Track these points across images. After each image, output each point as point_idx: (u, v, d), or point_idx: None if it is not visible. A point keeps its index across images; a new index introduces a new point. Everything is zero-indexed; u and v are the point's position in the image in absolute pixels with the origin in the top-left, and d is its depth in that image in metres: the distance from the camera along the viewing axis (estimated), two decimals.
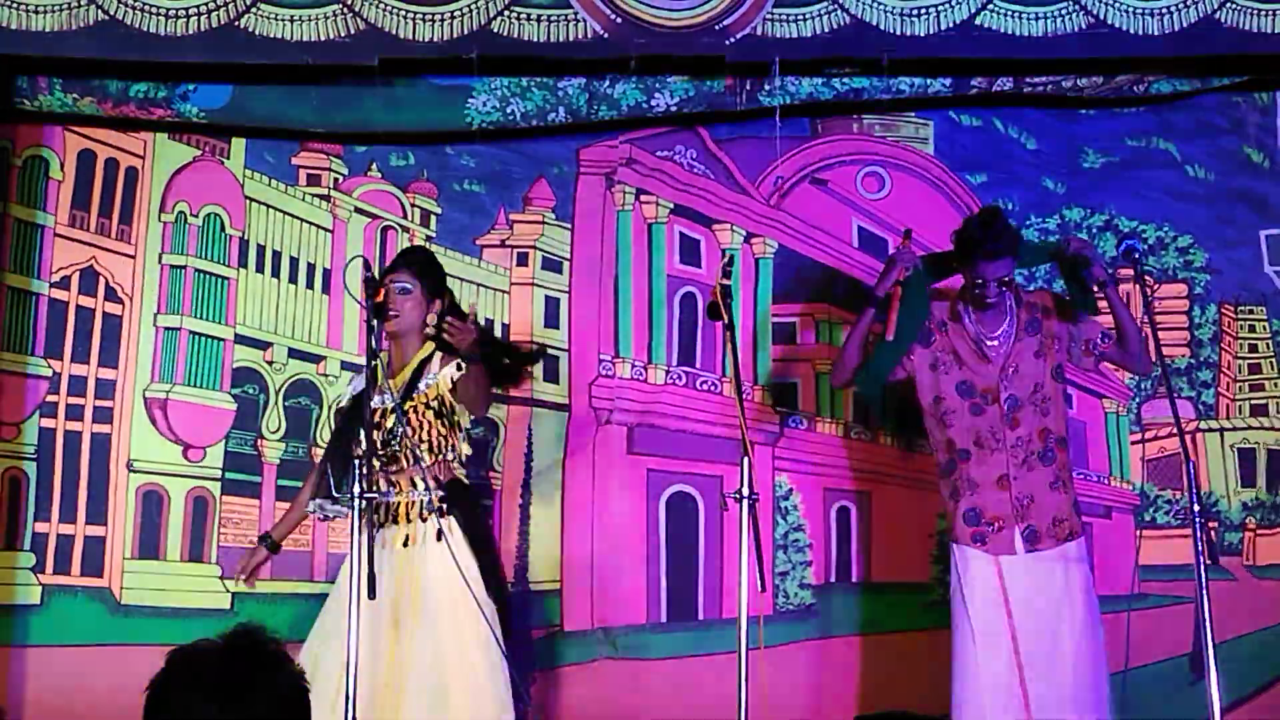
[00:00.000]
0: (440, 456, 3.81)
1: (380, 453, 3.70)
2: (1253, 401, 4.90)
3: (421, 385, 3.81)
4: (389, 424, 3.76)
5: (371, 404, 3.66)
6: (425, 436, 3.79)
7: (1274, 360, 4.90)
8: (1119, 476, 4.89)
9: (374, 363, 3.58)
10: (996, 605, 3.80)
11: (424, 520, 3.74)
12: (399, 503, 3.77)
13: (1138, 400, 4.92)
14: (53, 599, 4.42)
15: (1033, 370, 3.92)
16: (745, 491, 3.42)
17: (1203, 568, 3.40)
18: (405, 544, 3.75)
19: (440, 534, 3.70)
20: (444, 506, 3.74)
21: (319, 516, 3.86)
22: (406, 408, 3.75)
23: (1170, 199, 4.93)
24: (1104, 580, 4.37)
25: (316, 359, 4.69)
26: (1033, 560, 3.82)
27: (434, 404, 3.81)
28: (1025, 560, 3.82)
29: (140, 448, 4.54)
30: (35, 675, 4.35)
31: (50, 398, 4.52)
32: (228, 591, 4.47)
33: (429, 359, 3.87)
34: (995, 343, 3.94)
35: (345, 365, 4.67)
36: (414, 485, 3.78)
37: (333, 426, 3.95)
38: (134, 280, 4.62)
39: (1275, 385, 4.89)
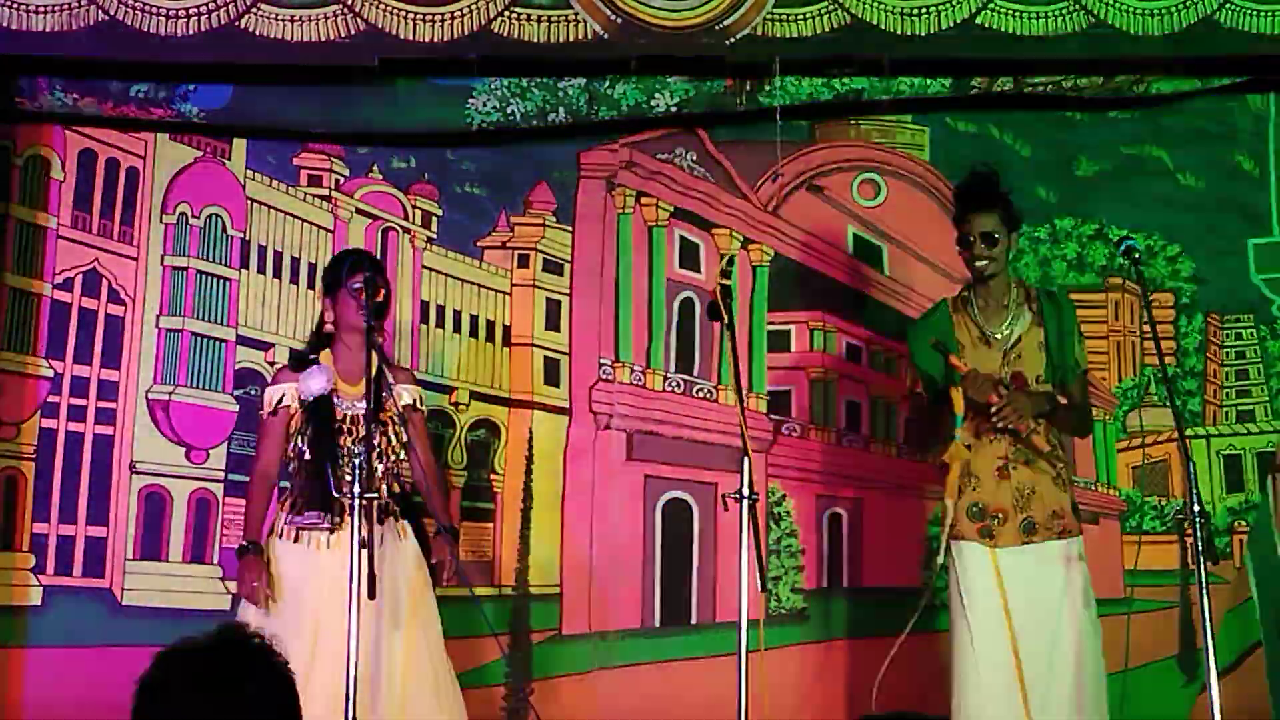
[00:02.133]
0: (398, 462, 3.80)
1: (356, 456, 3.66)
2: (1239, 408, 4.95)
3: (385, 394, 3.76)
4: (359, 427, 3.70)
5: (338, 408, 3.70)
6: (392, 442, 3.78)
7: (1260, 366, 4.94)
8: (1106, 483, 4.93)
9: (377, 365, 3.58)
10: (993, 599, 3.77)
11: (381, 523, 3.70)
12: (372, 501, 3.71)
13: (1124, 409, 4.96)
14: (53, 600, 4.43)
15: (1036, 361, 3.86)
16: (745, 491, 3.43)
17: (1202, 566, 3.38)
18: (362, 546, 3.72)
19: (400, 536, 3.74)
20: (398, 510, 3.77)
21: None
22: (383, 415, 3.74)
23: (1161, 207, 4.95)
24: (1094, 585, 4.40)
25: None
26: (1025, 552, 3.78)
27: (400, 413, 3.81)
28: (1020, 551, 3.78)
29: (143, 449, 4.55)
30: (36, 676, 4.35)
31: (52, 398, 4.51)
32: (229, 593, 4.46)
33: (381, 370, 3.75)
34: (1000, 329, 3.88)
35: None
36: (378, 488, 3.71)
37: (299, 427, 3.75)
38: (136, 281, 4.62)
39: (1262, 391, 4.94)
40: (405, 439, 3.81)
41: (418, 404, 3.89)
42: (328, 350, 3.80)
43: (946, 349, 3.78)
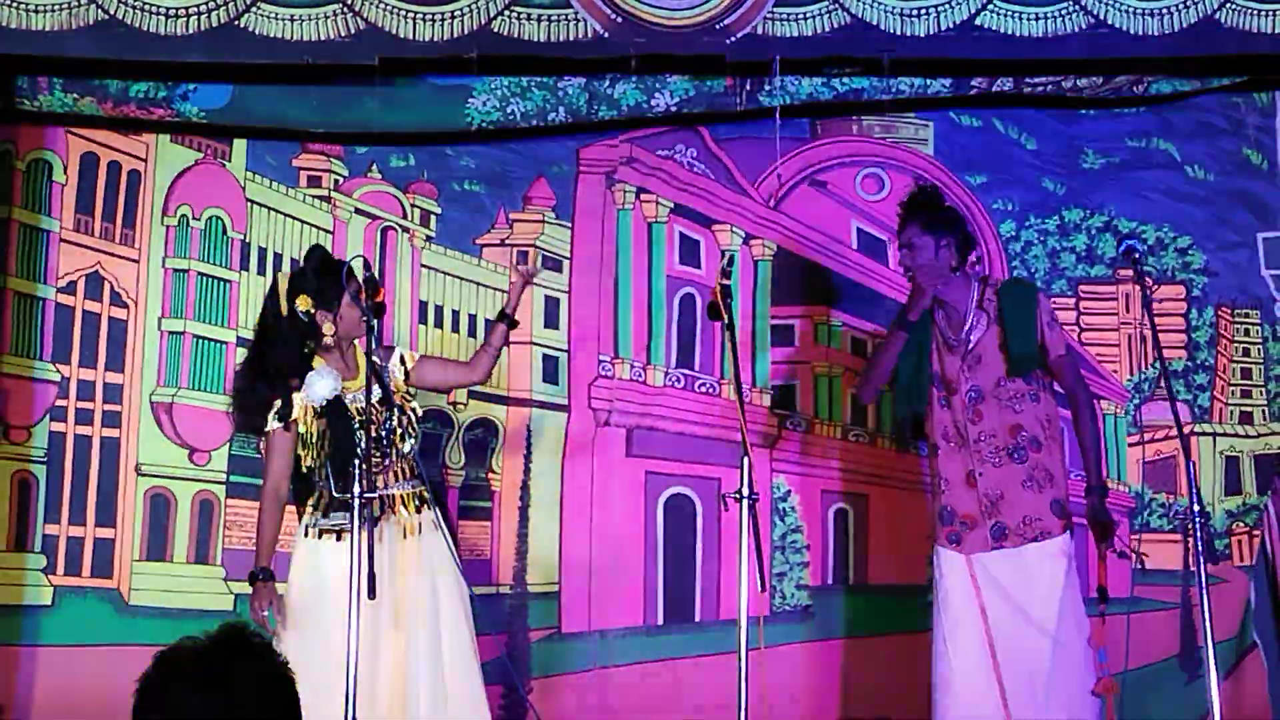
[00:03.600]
0: (413, 447, 3.81)
1: (374, 450, 3.67)
2: (1241, 408, 4.90)
3: (387, 376, 3.76)
4: (379, 420, 3.66)
5: (350, 405, 3.70)
6: (413, 422, 3.79)
7: (1261, 367, 4.89)
8: (1115, 479, 4.88)
9: (374, 363, 3.59)
10: (969, 605, 3.80)
11: (419, 512, 3.74)
12: (392, 495, 3.72)
13: (1135, 402, 4.92)
14: (63, 600, 4.49)
15: (997, 363, 3.85)
16: (745, 491, 3.43)
17: (1203, 566, 3.36)
18: (405, 536, 3.73)
19: (435, 525, 3.74)
20: (429, 498, 3.77)
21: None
22: (398, 401, 3.75)
23: (1170, 200, 4.92)
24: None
25: None
26: (1000, 557, 3.80)
27: (407, 382, 3.84)
28: (993, 557, 3.80)
29: (148, 451, 4.59)
30: (45, 674, 4.42)
31: (59, 402, 4.56)
32: (231, 593, 4.54)
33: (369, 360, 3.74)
34: (960, 333, 3.89)
35: None
36: (399, 478, 3.75)
37: (319, 434, 3.72)
38: (139, 284, 4.65)
39: (1262, 393, 4.89)
40: (421, 414, 3.83)
41: (409, 360, 3.87)
42: (317, 356, 3.77)
43: None
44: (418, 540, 3.72)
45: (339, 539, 3.65)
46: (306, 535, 3.74)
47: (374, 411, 3.62)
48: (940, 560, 3.88)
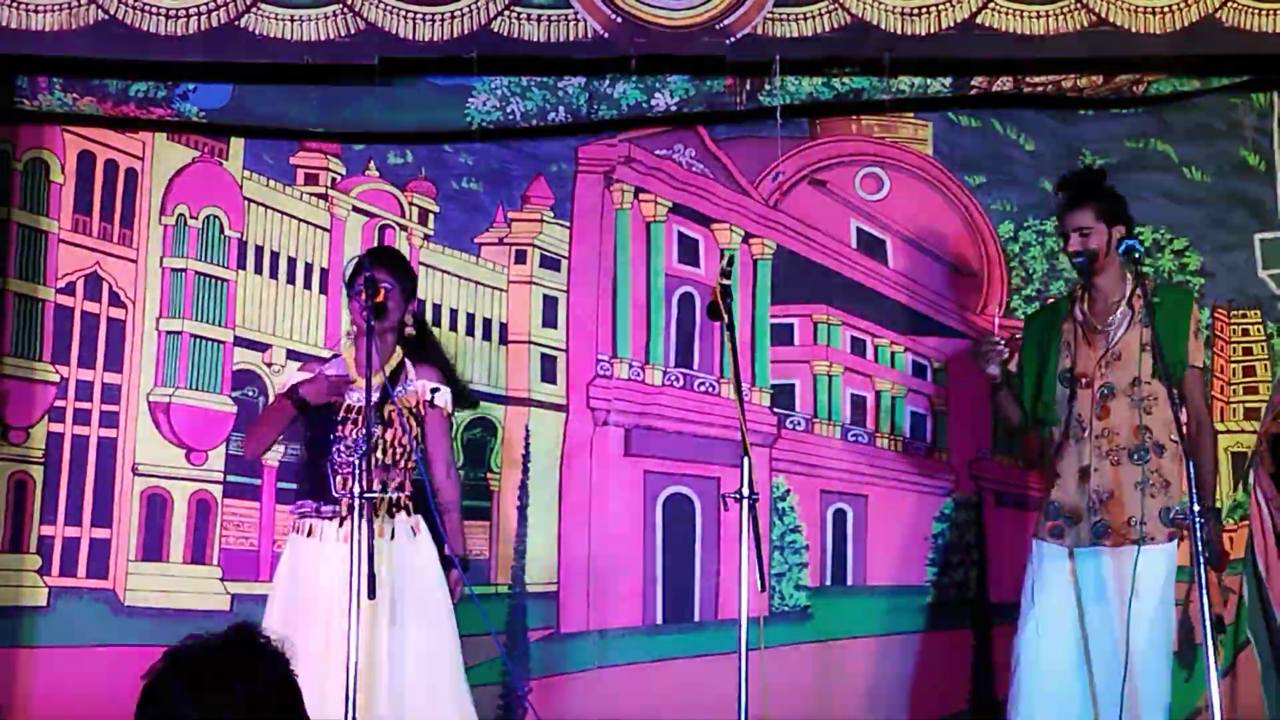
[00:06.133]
0: (408, 459, 3.81)
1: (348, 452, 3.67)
2: (1246, 405, 4.90)
3: (400, 389, 3.81)
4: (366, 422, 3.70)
5: (348, 401, 3.76)
6: (401, 439, 3.79)
7: (1268, 364, 4.89)
8: None
9: (401, 357, 3.64)
10: (1067, 598, 3.78)
11: (393, 516, 3.75)
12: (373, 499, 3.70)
13: None
14: (59, 601, 4.47)
15: (1137, 362, 3.79)
16: (745, 491, 3.43)
17: (1201, 566, 3.36)
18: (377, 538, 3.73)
19: (413, 531, 3.77)
20: (411, 505, 3.80)
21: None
22: (388, 410, 3.76)
23: (1167, 201, 4.91)
24: None
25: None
26: (1102, 553, 3.76)
27: (415, 409, 3.85)
28: (1093, 552, 3.77)
29: (145, 451, 4.58)
30: (41, 676, 4.41)
31: (58, 402, 4.55)
32: (228, 593, 4.54)
33: (402, 364, 3.90)
34: (1104, 323, 3.86)
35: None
36: (384, 483, 3.77)
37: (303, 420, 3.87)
38: (136, 284, 4.65)
39: (1268, 389, 4.88)
40: (416, 433, 3.82)
41: (436, 401, 3.89)
42: (350, 344, 3.90)
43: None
44: (389, 543, 3.72)
45: (309, 535, 3.73)
46: (293, 530, 3.83)
47: (358, 414, 3.66)
48: (1040, 553, 3.86)
